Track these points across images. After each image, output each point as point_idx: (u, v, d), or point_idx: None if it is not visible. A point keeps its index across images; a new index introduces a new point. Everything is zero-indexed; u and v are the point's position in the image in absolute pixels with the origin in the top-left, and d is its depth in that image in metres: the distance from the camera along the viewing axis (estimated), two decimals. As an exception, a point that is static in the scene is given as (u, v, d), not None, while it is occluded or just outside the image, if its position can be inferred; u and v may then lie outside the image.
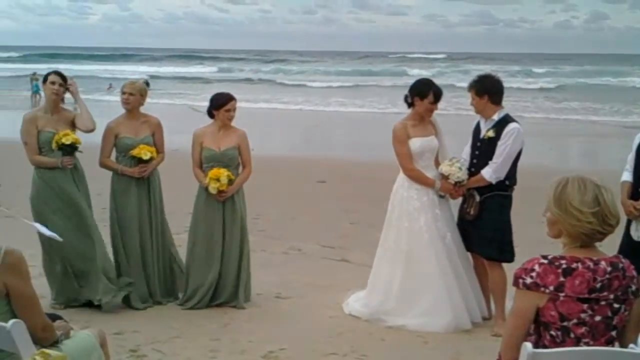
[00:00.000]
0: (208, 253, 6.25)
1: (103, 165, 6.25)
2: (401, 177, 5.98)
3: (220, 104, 6.19)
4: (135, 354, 5.21)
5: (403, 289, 5.84)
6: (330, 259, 8.01)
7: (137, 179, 6.18)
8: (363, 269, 7.01)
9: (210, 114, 6.26)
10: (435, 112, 5.99)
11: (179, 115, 22.63)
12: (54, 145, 5.89)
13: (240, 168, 6.32)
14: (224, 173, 6.05)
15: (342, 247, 8.50)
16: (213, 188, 6.05)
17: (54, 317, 3.46)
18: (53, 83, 5.97)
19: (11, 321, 2.94)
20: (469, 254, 6.00)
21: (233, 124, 6.30)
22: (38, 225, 3.20)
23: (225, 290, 6.28)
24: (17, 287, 3.02)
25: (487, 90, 5.69)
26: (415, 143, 5.86)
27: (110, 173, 6.32)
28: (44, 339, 3.13)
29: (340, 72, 58.30)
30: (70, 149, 5.93)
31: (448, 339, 5.59)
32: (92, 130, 6.06)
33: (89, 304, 6.14)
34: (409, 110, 5.96)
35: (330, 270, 7.57)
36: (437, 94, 5.87)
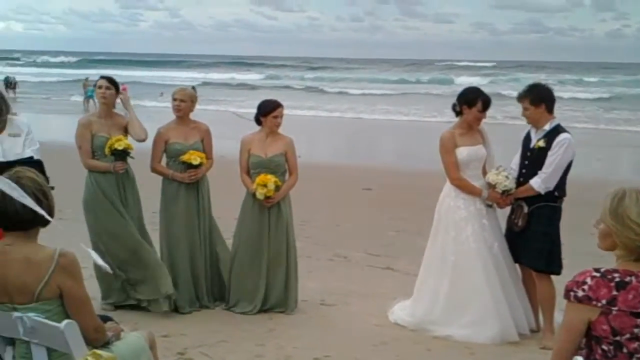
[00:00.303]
0: (251, 259, 6.29)
1: (154, 170, 6.34)
2: (448, 186, 5.94)
3: (267, 110, 6.24)
4: (183, 357, 5.27)
5: (449, 299, 5.80)
6: (376, 267, 7.99)
7: (186, 183, 6.26)
8: (408, 278, 6.99)
9: (258, 120, 6.31)
10: (483, 120, 5.95)
11: (225, 121, 22.85)
12: (106, 151, 6.00)
13: (287, 175, 6.37)
14: (271, 179, 6.10)
15: (388, 255, 8.47)
16: (260, 194, 6.10)
17: (105, 319, 3.52)
18: (100, 87, 6.12)
19: (64, 321, 3.00)
20: (517, 265, 5.92)
21: (280, 130, 6.34)
22: (93, 254, 3.25)
23: (272, 297, 6.32)
24: (70, 288, 3.08)
25: (544, 98, 5.61)
26: (463, 152, 5.81)
27: (158, 177, 6.41)
28: (96, 339, 3.19)
29: (386, 80, 57.95)
30: (122, 154, 6.04)
31: (495, 350, 5.52)
32: (143, 140, 6.14)
33: (137, 306, 6.24)
34: (457, 119, 5.92)
35: (375, 278, 7.55)
36: (486, 103, 5.82)
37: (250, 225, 6.29)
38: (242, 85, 51.16)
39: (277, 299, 6.31)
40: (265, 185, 6.08)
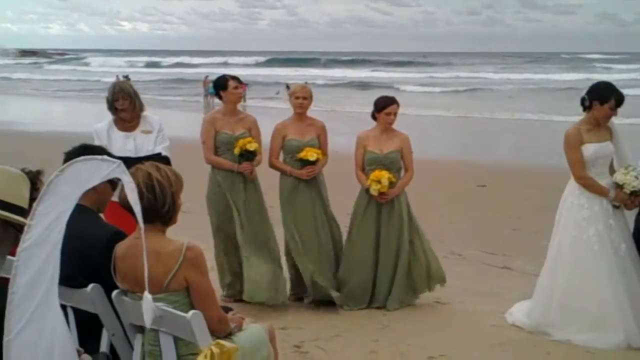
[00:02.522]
0: (363, 255, 6.34)
1: (272, 165, 6.43)
2: (571, 184, 5.71)
3: (381, 107, 6.28)
4: (299, 350, 5.37)
5: (565, 301, 5.58)
6: (492, 266, 7.83)
7: (304, 180, 6.32)
8: (526, 277, 6.83)
9: (374, 116, 6.36)
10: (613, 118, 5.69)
11: (334, 119, 22.98)
12: (236, 150, 6.13)
13: (402, 172, 6.36)
14: (385, 175, 6.12)
15: (504, 253, 8.27)
16: (374, 190, 6.13)
17: (227, 310, 3.64)
18: (236, 88, 6.32)
19: (191, 312, 3.11)
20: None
21: (396, 127, 6.34)
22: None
23: (382, 294, 6.33)
24: (196, 280, 3.21)
25: None
26: (589, 149, 5.57)
27: (274, 172, 6.48)
28: (219, 330, 3.28)
29: (506, 78, 55.48)
30: (251, 156, 6.18)
31: (619, 357, 5.29)
32: None
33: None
34: (583, 114, 5.67)
35: (491, 277, 7.40)
36: (619, 100, 5.53)
37: (363, 221, 6.34)
38: (355, 82, 51.12)
39: (390, 296, 6.30)
40: (379, 181, 6.11)
